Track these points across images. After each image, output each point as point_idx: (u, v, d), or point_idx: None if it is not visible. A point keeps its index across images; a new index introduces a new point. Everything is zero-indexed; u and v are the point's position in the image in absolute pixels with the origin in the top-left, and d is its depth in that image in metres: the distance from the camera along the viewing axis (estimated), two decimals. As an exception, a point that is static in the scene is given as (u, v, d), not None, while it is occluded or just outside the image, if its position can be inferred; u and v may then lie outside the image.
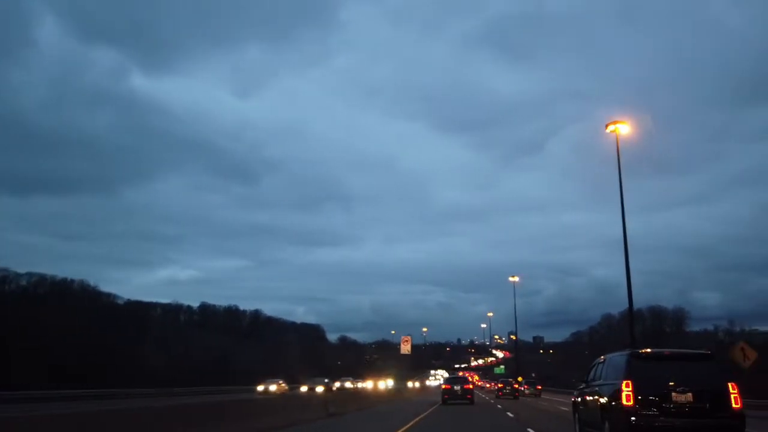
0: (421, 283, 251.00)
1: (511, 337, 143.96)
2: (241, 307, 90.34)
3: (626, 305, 23.73)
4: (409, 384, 74.23)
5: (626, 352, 10.69)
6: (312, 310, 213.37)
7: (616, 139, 24.07)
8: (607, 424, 10.34)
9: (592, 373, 12.67)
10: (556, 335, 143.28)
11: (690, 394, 9.39)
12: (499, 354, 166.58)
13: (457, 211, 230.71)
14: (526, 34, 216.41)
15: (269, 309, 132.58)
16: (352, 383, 53.30)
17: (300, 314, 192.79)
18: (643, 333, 72.70)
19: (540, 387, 54.04)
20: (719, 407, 9.42)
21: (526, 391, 51.39)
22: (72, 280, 53.56)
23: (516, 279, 62.99)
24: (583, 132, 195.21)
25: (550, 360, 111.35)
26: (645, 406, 9.44)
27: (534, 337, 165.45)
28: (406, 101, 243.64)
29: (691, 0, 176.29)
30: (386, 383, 63.13)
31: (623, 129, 24.20)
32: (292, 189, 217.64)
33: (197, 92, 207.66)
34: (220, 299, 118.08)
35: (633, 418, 9.44)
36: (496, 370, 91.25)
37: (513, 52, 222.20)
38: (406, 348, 73.72)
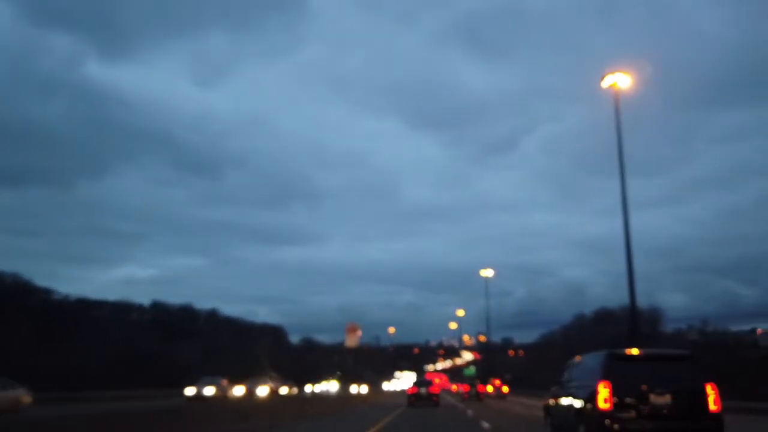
0: (390, 283, 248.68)
1: (480, 338, 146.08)
2: (197, 306, 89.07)
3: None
4: (355, 388, 69.28)
5: (603, 352, 10.67)
6: (276, 310, 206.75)
7: (615, 96, 21.99)
8: (582, 428, 10.31)
9: (566, 375, 12.67)
10: (525, 336, 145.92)
11: (668, 396, 9.41)
12: (469, 355, 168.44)
13: (428, 210, 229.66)
14: (501, 30, 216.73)
15: (232, 309, 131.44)
16: (221, 390, 39.09)
17: (264, 315, 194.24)
18: (618, 334, 74.48)
19: (507, 390, 54.54)
20: (697, 409, 9.46)
21: (493, 395, 51.87)
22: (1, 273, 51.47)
23: (489, 272, 63.40)
24: (557, 131, 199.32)
25: (520, 361, 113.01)
26: (622, 409, 9.41)
27: (503, 338, 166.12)
28: (377, 96, 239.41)
29: (665, 1, 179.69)
30: (289, 389, 56.48)
31: (624, 82, 21.99)
32: (257, 184, 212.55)
33: (157, 81, 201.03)
34: (179, 298, 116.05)
35: (609, 421, 9.41)
36: (466, 372, 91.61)
37: (488, 47, 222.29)
38: (352, 340, 68.21)
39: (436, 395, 34.41)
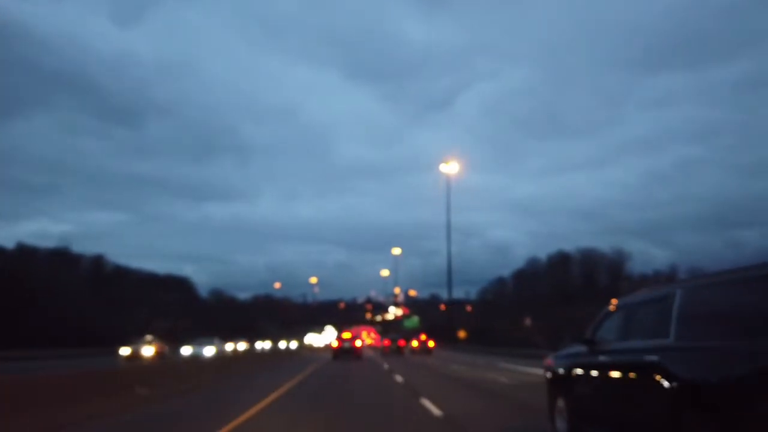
0: (320, 242, 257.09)
1: (410, 293, 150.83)
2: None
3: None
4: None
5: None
6: (202, 269, 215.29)
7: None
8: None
9: (613, 326, 7.51)
10: (452, 293, 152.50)
11: None
12: (398, 311, 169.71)
13: (362, 168, 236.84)
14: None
15: (154, 267, 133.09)
16: None
17: (188, 273, 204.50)
18: (572, 282, 72.58)
19: (433, 345, 53.85)
20: None
21: (418, 349, 51.98)
22: None
23: (451, 168, 59.74)
24: (494, 90, 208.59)
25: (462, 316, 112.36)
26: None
27: (431, 295, 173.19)
28: (314, 44, 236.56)
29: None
30: None
31: None
32: (182, 136, 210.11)
33: (69, 16, 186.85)
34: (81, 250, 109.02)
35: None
36: (407, 323, 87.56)
37: None
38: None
39: (359, 350, 40.49)
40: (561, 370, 9.11)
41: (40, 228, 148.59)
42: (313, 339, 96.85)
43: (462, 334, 58.50)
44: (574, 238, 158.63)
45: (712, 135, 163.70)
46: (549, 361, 9.88)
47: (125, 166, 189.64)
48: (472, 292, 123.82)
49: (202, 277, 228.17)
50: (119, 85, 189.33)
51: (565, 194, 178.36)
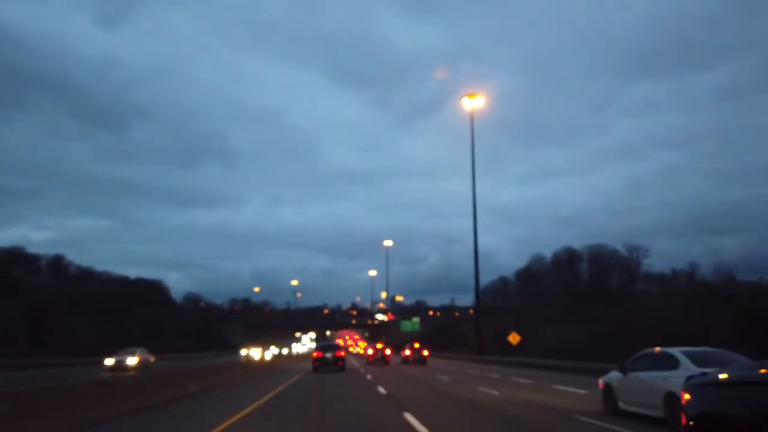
0: (306, 248, 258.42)
1: (396, 298, 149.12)
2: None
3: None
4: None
5: None
6: (186, 276, 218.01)
7: None
8: None
9: None
10: (436, 300, 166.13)
11: None
12: (384, 317, 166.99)
13: (346, 173, 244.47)
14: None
15: (137, 274, 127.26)
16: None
17: (173, 280, 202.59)
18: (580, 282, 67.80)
19: (427, 353, 50.91)
20: None
21: (411, 359, 48.61)
22: None
23: (475, 102, 54.68)
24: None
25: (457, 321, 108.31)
26: None
27: (417, 301, 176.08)
28: (300, 47, 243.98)
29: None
30: None
31: None
32: (166, 140, 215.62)
33: (51, 18, 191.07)
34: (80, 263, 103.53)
35: None
36: (405, 326, 79.91)
37: (419, 2, 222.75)
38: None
39: (342, 359, 36.47)
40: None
41: (21, 235, 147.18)
42: (254, 350, 73.00)
43: (515, 338, 45.08)
44: (557, 244, 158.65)
45: (692, 142, 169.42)
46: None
47: (108, 171, 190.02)
48: (458, 300, 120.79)
49: (186, 284, 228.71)
50: (102, 88, 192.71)
51: (548, 200, 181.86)
